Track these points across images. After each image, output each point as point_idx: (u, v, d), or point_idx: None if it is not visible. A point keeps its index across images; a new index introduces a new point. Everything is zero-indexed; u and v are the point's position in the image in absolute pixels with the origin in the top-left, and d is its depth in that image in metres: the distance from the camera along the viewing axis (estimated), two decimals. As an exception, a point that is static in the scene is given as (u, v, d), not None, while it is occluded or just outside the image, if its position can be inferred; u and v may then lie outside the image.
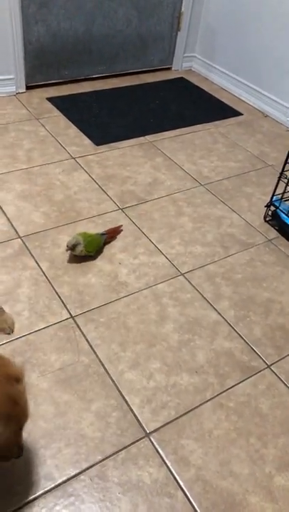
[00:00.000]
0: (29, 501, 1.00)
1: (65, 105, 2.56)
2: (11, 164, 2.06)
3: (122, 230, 1.77)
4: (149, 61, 3.01)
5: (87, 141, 2.28)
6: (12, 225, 1.74)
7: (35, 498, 1.00)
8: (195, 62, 3.14)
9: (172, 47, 3.02)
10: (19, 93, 2.64)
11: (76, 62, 2.75)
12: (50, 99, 2.61)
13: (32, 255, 1.62)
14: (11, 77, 2.57)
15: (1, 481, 1.02)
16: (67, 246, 1.58)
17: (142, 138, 2.35)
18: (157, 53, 3.00)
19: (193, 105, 2.72)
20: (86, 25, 2.65)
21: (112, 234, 1.75)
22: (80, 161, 2.13)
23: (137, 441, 1.12)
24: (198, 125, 2.52)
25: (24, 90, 2.65)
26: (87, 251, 1.59)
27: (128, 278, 1.56)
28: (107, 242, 1.71)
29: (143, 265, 1.62)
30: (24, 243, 1.67)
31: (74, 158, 2.15)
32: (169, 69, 3.13)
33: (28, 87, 2.67)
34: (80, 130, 2.36)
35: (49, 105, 2.56)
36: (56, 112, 2.50)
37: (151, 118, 2.53)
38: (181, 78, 3.03)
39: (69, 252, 1.61)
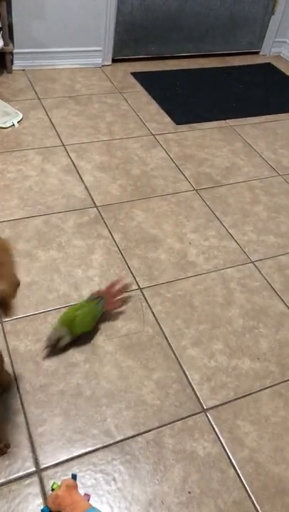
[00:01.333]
0: (89, 452, 1.06)
1: (149, 81, 2.57)
2: (92, 135, 2.12)
3: (126, 290, 1.38)
4: (238, 43, 2.94)
5: (167, 119, 2.29)
6: (90, 194, 1.80)
7: (95, 450, 1.07)
8: (285, 47, 3.03)
9: (263, 30, 2.93)
10: (105, 66, 2.68)
11: (164, 38, 2.74)
12: (134, 74, 2.63)
13: (106, 225, 1.67)
14: (99, 48, 2.61)
15: (62, 429, 1.09)
16: (48, 342, 1.21)
17: (222, 121, 2.32)
18: (247, 36, 2.93)
19: (279, 93, 2.64)
20: (179, 2, 2.62)
21: (113, 296, 1.35)
22: (159, 139, 2.15)
23: (194, 414, 1.16)
24: (282, 114, 2.45)
25: (110, 63, 2.69)
26: (79, 333, 1.25)
27: (197, 259, 1.58)
28: (106, 311, 1.34)
29: (213, 248, 1.62)
30: (100, 213, 1.72)
31: (153, 135, 2.16)
32: (256, 53, 3.04)
33: (113, 60, 2.70)
34: (162, 107, 2.37)
35: (133, 80, 2.58)
36: (139, 88, 2.52)
37: (234, 102, 2.49)
38: (269, 64, 2.94)
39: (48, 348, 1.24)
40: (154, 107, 2.38)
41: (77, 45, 2.56)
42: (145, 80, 2.58)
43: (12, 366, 1.21)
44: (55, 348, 1.22)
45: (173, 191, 1.86)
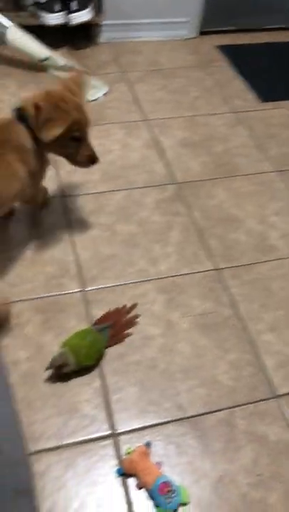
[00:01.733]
0: (162, 423, 1.10)
1: (235, 56, 2.47)
2: (175, 110, 2.09)
3: (135, 323, 1.28)
4: None
5: (252, 95, 2.21)
6: (170, 170, 1.80)
7: (167, 422, 1.11)
8: None
9: None
10: (190, 38, 2.61)
11: (254, 10, 2.61)
12: (220, 48, 2.54)
13: (186, 202, 1.67)
14: (186, 20, 2.54)
15: (137, 398, 1.14)
16: (51, 364, 1.13)
17: (312, 99, 2.20)
18: None
19: None
20: None
21: (120, 329, 1.26)
22: (243, 116, 2.08)
23: (267, 399, 1.16)
24: None
25: (196, 35, 2.62)
26: (83, 365, 1.16)
27: (278, 242, 1.54)
28: (109, 345, 1.22)
29: (296, 232, 1.57)
30: (180, 189, 1.72)
31: (237, 112, 2.10)
32: None
33: (200, 33, 2.63)
34: (247, 83, 2.28)
35: (218, 54, 2.50)
36: (224, 62, 2.44)
37: None
38: None
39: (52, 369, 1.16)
40: (239, 82, 2.30)
41: (163, 16, 2.51)
42: (231, 54, 2.49)
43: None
44: (57, 371, 1.15)
45: (256, 171, 1.80)
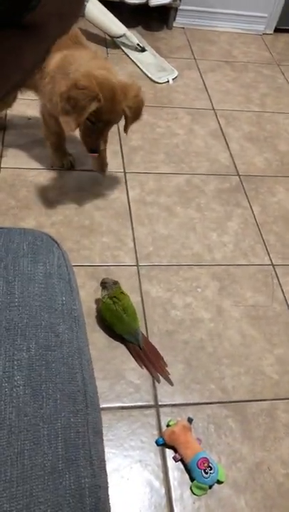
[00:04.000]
0: (205, 403, 1.12)
1: (309, 57, 2.44)
2: (243, 104, 2.08)
3: (167, 374, 1.16)
4: None
5: None
6: (234, 162, 1.79)
7: (210, 403, 1.12)
8: None
9: None
10: (266, 34, 2.58)
11: None
12: (295, 47, 2.51)
13: (246, 196, 1.67)
14: (264, 15, 2.51)
15: (182, 375, 1.16)
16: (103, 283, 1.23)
17: None
18: None
19: None
20: None
21: (150, 351, 1.19)
22: (312, 118, 2.06)
23: (311, 398, 1.16)
24: None
25: (272, 32, 2.59)
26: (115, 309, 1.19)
27: None
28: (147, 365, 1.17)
29: None
30: (241, 182, 1.72)
31: (306, 114, 2.08)
32: None
33: (276, 30, 2.59)
34: None
35: (293, 53, 2.47)
36: (298, 62, 2.41)
37: None
38: None
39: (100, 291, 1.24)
40: (311, 84, 2.27)
41: (242, 9, 2.49)
42: (306, 54, 2.45)
43: (143, 307, 1.29)
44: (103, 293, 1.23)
45: None
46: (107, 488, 0.60)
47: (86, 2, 2.17)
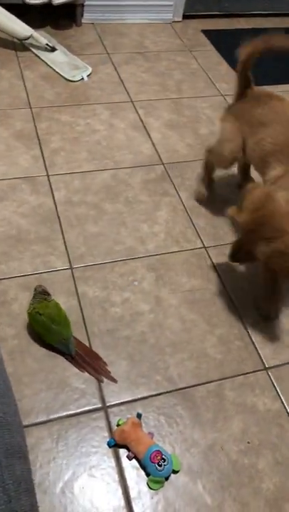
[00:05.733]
0: (152, 395, 1.11)
1: (220, 40, 2.48)
2: (161, 92, 2.09)
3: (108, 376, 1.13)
4: (316, 2, 2.77)
5: (237, 79, 2.22)
6: (157, 151, 1.79)
7: (158, 394, 1.11)
8: None
9: None
10: (175, 22, 2.60)
11: (238, -6, 2.62)
12: (205, 32, 2.54)
13: (173, 183, 1.67)
14: (170, 3, 2.53)
15: (127, 371, 1.14)
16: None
17: (296, 84, 2.23)
18: None
19: None
20: None
21: (83, 352, 1.16)
22: (228, 99, 2.09)
23: (255, 371, 1.18)
24: None
25: (180, 19, 2.61)
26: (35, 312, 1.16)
27: (264, 222, 1.56)
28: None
29: (281, 212, 1.59)
30: (166, 170, 1.72)
31: (223, 96, 2.11)
32: None
33: (184, 17, 2.62)
34: (232, 68, 2.29)
35: (203, 38, 2.50)
36: (209, 46, 2.44)
37: (308, 64, 2.37)
38: None
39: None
40: (224, 67, 2.30)
41: (148, -1, 2.49)
42: (216, 38, 2.49)
43: (81, 309, 1.26)
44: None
45: (241, 153, 1.82)
46: (31, 509, 0.56)
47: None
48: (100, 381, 1.11)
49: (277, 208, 1.06)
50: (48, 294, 1.21)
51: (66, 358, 1.15)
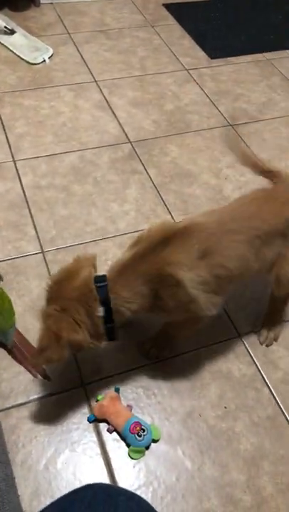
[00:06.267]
0: (130, 369, 1.13)
1: (182, 13, 2.45)
2: (124, 70, 2.06)
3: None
4: None
5: (201, 53, 2.20)
6: (123, 130, 1.78)
7: (135, 368, 1.13)
8: None
9: None
10: (135, -3, 2.56)
11: None
12: (166, 6, 2.50)
13: (140, 161, 1.67)
14: (130, -21, 2.48)
15: (104, 349, 1.16)
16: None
17: (259, 55, 2.22)
18: None
19: None
20: None
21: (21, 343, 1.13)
22: (192, 73, 2.08)
23: (229, 339, 1.20)
24: None
25: (141, -5, 2.56)
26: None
27: (233, 194, 1.57)
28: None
29: (249, 183, 1.61)
30: (134, 148, 1.71)
31: (187, 70, 2.09)
32: (296, -19, 2.84)
33: (145, -8, 2.57)
34: (195, 41, 2.27)
35: (165, 12, 2.47)
36: (172, 20, 2.41)
37: (271, 34, 2.36)
38: (309, -8, 2.75)
39: None
40: (187, 40, 2.28)
41: (106, -25, 2.44)
42: (178, 11, 2.46)
43: (54, 292, 1.26)
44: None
45: (208, 127, 1.82)
46: (4, 479, 0.57)
47: None
48: (34, 377, 1.10)
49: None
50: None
51: (5, 349, 1.14)
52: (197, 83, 2.02)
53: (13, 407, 1.05)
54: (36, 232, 1.41)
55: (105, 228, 1.44)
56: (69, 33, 2.25)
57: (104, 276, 0.92)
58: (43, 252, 1.36)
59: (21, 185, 1.54)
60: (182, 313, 0.97)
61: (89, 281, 0.90)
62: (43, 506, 0.90)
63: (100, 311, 0.89)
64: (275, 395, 1.11)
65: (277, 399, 1.10)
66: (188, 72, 2.08)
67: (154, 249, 0.91)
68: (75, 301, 0.89)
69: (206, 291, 0.93)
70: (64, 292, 0.90)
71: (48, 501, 0.92)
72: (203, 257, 0.92)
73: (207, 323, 1.02)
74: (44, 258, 1.34)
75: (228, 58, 2.18)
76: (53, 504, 0.60)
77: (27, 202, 1.49)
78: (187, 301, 0.92)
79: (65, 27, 2.29)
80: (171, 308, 0.93)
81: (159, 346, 1.14)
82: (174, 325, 1.08)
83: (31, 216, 1.45)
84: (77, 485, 0.95)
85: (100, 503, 0.56)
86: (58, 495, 0.94)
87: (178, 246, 0.91)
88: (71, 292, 0.90)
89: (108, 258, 1.35)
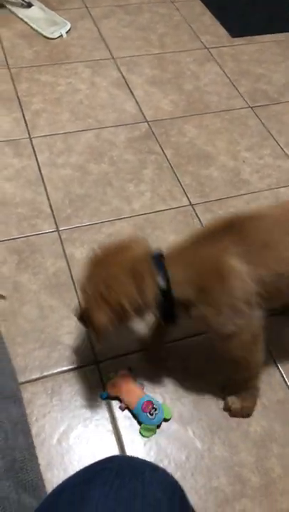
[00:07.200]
0: (142, 350, 1.14)
1: (203, -11, 2.38)
2: (143, 48, 2.02)
3: None
4: None
5: (222, 31, 2.15)
6: (140, 109, 1.75)
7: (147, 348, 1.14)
8: None
9: None
10: (156, -29, 2.49)
11: None
12: (187, -19, 2.43)
13: (157, 141, 1.65)
14: None
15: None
16: None
17: (282, 34, 2.16)
18: None
19: None
20: None
21: None
22: (213, 52, 2.03)
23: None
24: None
25: None
26: None
27: (251, 177, 1.55)
28: None
29: (267, 167, 1.58)
30: (151, 128, 1.69)
31: (207, 49, 2.05)
32: None
33: None
34: (216, 18, 2.21)
35: (186, -12, 2.40)
36: (192, -4, 2.35)
37: (295, 12, 2.29)
38: None
39: None
40: (208, 17, 2.22)
41: None
42: (199, -13, 2.39)
43: (70, 270, 1.27)
44: None
45: (227, 108, 1.79)
46: (27, 448, 0.59)
47: None
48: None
49: None
50: None
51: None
52: (217, 62, 1.98)
53: (27, 381, 1.07)
54: (52, 210, 1.41)
55: (121, 208, 1.43)
56: (87, 7, 2.21)
57: (161, 253, 0.91)
58: (58, 230, 1.36)
59: (37, 162, 1.53)
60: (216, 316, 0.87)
61: (146, 255, 0.88)
62: (56, 479, 0.94)
63: (161, 281, 0.85)
64: (286, 379, 1.12)
65: (288, 383, 1.11)
66: (209, 51, 2.03)
67: (214, 237, 0.88)
68: (128, 270, 0.85)
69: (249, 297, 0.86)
70: (117, 261, 0.87)
71: (61, 474, 0.95)
72: (260, 253, 0.87)
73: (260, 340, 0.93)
74: (59, 236, 1.35)
75: (250, 37, 2.13)
76: (74, 476, 0.61)
77: (43, 180, 1.49)
78: (224, 302, 0.86)
79: (83, 1, 2.24)
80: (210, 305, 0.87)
81: (240, 397, 1.05)
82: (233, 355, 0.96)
83: (47, 194, 1.45)
84: (90, 460, 0.96)
85: (126, 473, 0.57)
86: (70, 468, 0.96)
87: (237, 236, 0.87)
88: (125, 262, 0.86)
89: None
